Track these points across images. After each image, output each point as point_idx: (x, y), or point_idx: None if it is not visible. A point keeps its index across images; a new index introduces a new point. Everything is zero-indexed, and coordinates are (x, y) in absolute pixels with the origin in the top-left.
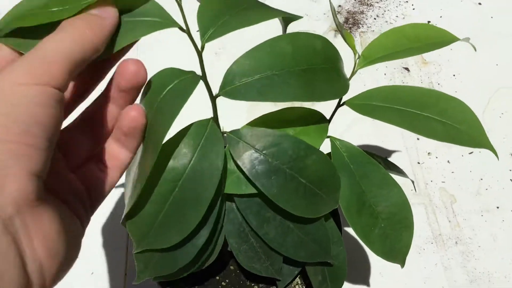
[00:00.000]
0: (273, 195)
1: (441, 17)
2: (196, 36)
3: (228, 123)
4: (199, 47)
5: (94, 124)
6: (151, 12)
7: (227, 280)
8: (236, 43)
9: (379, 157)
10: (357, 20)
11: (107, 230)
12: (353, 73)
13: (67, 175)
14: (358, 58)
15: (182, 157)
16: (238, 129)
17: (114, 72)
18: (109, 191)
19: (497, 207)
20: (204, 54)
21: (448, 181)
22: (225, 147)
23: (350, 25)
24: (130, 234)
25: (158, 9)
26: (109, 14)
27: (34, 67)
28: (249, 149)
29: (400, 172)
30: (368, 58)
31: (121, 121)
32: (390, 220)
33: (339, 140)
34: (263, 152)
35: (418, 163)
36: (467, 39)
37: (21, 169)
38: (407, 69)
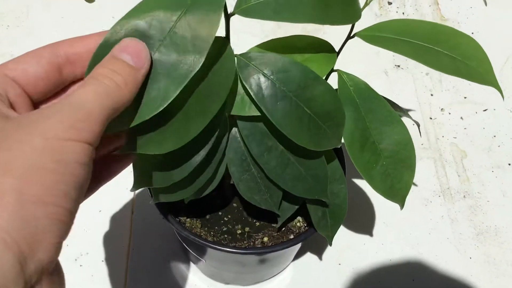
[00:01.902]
0: (277, 121)
1: None
2: None
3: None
4: None
5: None
6: None
7: (229, 216)
8: None
9: (386, 99)
10: None
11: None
12: (366, 4)
13: None
14: None
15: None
16: (249, 52)
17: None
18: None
19: (509, 164)
20: None
21: (460, 137)
22: None
23: None
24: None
25: None
26: (143, 63)
27: (77, 122)
28: (257, 72)
29: (405, 113)
30: None
31: None
32: (392, 158)
33: (346, 73)
34: (271, 77)
35: (431, 118)
36: None
37: (54, 237)
38: None
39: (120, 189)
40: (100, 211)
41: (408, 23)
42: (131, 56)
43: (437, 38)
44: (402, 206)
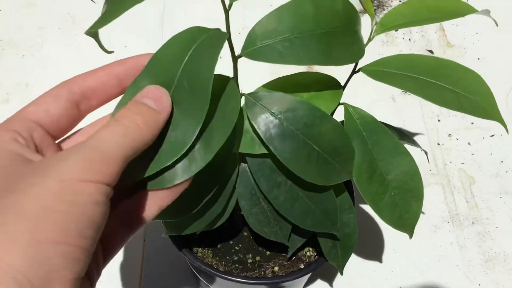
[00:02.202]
0: (285, 159)
1: (467, 1)
2: None
3: (248, 87)
4: (227, 5)
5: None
6: None
7: (240, 245)
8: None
9: (393, 127)
10: (382, 2)
11: None
12: (369, 40)
13: None
14: (375, 25)
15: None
16: (256, 91)
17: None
18: (125, 243)
19: None
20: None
21: (468, 163)
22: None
23: (374, 7)
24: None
25: None
26: (164, 107)
27: (93, 163)
28: (265, 111)
29: (413, 142)
30: (386, 25)
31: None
32: (400, 189)
33: (353, 107)
34: (279, 116)
35: (438, 144)
36: (487, 12)
37: (70, 274)
38: (431, 51)
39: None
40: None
41: (412, 58)
42: (153, 100)
43: (441, 72)
44: (411, 235)
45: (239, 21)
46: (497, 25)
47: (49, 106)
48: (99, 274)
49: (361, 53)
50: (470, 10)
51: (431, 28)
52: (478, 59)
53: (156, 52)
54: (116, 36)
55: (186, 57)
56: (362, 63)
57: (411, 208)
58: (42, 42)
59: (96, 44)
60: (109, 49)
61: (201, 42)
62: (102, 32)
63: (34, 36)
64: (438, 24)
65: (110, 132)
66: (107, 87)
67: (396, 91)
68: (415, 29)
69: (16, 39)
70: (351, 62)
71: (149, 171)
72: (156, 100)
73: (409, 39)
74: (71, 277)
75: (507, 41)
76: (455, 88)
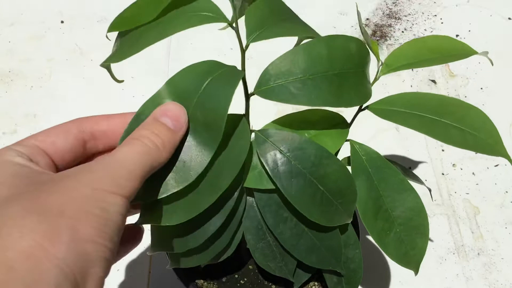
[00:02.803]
0: (291, 197)
1: (469, 31)
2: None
3: (258, 120)
4: (244, 45)
5: None
6: (204, 7)
7: (245, 279)
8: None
9: (398, 164)
10: (384, 33)
11: None
12: (375, 79)
13: None
14: (381, 65)
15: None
16: (266, 129)
17: None
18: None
19: None
20: (234, 56)
21: (473, 193)
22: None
23: (377, 38)
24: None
25: (211, 4)
26: (181, 126)
27: (119, 179)
28: (274, 149)
29: (418, 180)
30: (391, 66)
31: None
32: (406, 225)
33: (358, 143)
34: (287, 154)
35: (443, 174)
36: (485, 53)
37: (101, 271)
38: (433, 81)
39: (137, 247)
40: (118, 270)
41: (417, 97)
42: (170, 119)
43: (445, 110)
44: (416, 272)
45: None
46: (492, 64)
47: (57, 139)
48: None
49: (368, 95)
50: (471, 52)
51: None
52: (481, 88)
53: (171, 79)
54: (123, 67)
55: (202, 89)
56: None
57: (417, 245)
58: (50, 73)
59: (103, 75)
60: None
61: (217, 76)
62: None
63: (42, 68)
64: None
65: (135, 151)
66: (118, 134)
67: None
68: None
69: (24, 71)
70: (360, 104)
71: (160, 195)
72: (174, 118)
73: (412, 70)
74: (101, 274)
75: (508, 70)
76: (460, 125)
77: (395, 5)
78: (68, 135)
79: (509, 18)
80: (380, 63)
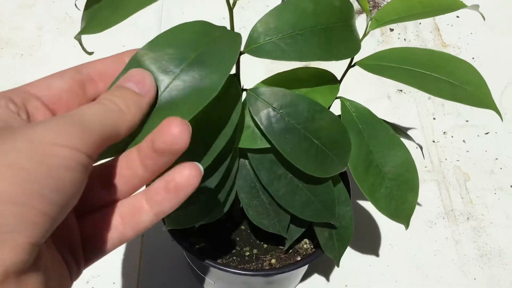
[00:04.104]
0: (287, 153)
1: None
2: None
3: (247, 81)
4: (231, 2)
5: (116, 177)
6: None
7: (237, 238)
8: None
9: (388, 122)
10: (377, 3)
11: None
12: (365, 34)
13: (69, 220)
14: (370, 20)
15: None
16: (258, 87)
17: (155, 129)
18: (113, 249)
19: (511, 186)
20: (223, 14)
21: (463, 160)
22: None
23: (370, 8)
24: None
25: None
26: (147, 90)
27: (69, 129)
28: (267, 107)
29: (407, 136)
30: (380, 20)
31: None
32: (396, 180)
33: (349, 100)
34: (280, 111)
35: (433, 141)
36: (476, 7)
37: (23, 237)
38: None
39: None
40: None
41: (407, 51)
42: (136, 83)
43: (435, 64)
44: (407, 226)
45: (237, 21)
46: (484, 19)
47: (52, 81)
48: (79, 269)
49: (357, 48)
50: (461, 5)
51: (426, 28)
52: (473, 58)
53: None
54: (114, 35)
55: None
56: (357, 59)
57: (407, 199)
58: (41, 42)
59: (94, 43)
60: (106, 49)
61: (217, 37)
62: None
63: (32, 36)
64: (433, 24)
65: (91, 109)
66: (115, 72)
67: (391, 89)
68: (410, 29)
69: (14, 39)
70: (349, 57)
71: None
72: (139, 83)
73: (404, 39)
74: (23, 240)
75: (501, 40)
76: (450, 78)
77: None
78: (63, 76)
79: None
80: (369, 18)
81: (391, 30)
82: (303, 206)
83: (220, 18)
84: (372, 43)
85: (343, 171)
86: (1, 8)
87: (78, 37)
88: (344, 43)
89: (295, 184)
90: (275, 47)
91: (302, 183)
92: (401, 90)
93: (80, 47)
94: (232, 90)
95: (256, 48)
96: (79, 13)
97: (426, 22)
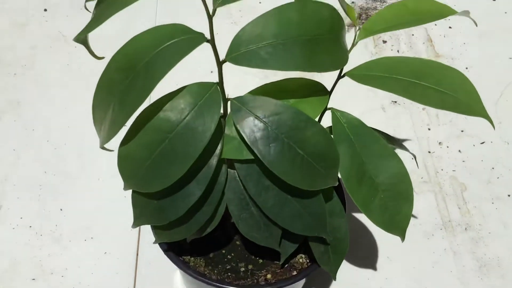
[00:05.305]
0: (269, 162)
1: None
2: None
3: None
4: (211, 11)
5: None
6: None
7: (232, 254)
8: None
9: (381, 132)
10: (370, 16)
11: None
12: (353, 45)
13: None
14: (358, 30)
15: (178, 112)
16: (241, 96)
17: None
18: None
19: (508, 195)
20: (220, 22)
21: (459, 170)
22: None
23: (362, 21)
24: (120, 171)
25: None
26: None
27: None
28: (250, 115)
29: (401, 146)
30: (369, 30)
31: None
32: (390, 191)
33: (340, 111)
34: (263, 119)
35: (429, 152)
36: (466, 13)
37: None
38: None
39: (125, 229)
40: (105, 252)
41: (396, 60)
42: None
43: (425, 73)
44: (403, 238)
45: (230, 37)
46: (476, 25)
47: None
48: None
49: (344, 60)
50: (450, 11)
51: (419, 39)
52: (466, 68)
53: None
54: (108, 47)
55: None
56: (351, 67)
57: (402, 210)
58: (34, 61)
59: (87, 62)
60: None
61: (174, 43)
62: (95, 47)
63: (26, 55)
64: (426, 35)
65: None
66: None
67: (385, 101)
68: (403, 40)
69: (8, 58)
70: (335, 69)
71: None
72: None
73: (398, 51)
74: None
75: (494, 49)
76: (438, 86)
77: None
78: None
79: (493, 0)
80: (357, 28)
81: (384, 42)
82: (293, 219)
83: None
84: (366, 55)
85: (334, 185)
86: None
87: (82, 39)
88: (329, 55)
89: (284, 196)
90: (255, 56)
91: (291, 196)
92: (395, 102)
93: (73, 66)
94: (211, 96)
95: (237, 56)
96: (73, 33)
97: (419, 33)
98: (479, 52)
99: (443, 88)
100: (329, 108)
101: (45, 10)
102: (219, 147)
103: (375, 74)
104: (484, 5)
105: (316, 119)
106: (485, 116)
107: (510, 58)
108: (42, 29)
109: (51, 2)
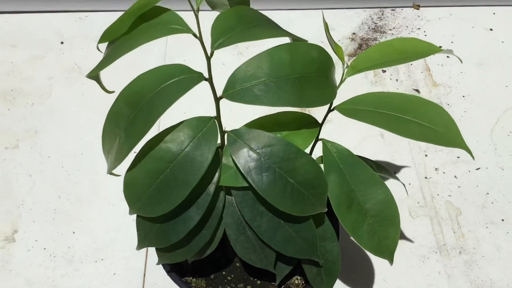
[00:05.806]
0: (262, 190)
1: (452, 42)
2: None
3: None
4: (209, 53)
5: None
6: (171, 20)
7: (232, 275)
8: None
9: (371, 161)
10: (370, 46)
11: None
12: (341, 81)
13: None
14: (346, 68)
15: (179, 143)
16: (237, 129)
17: None
18: None
19: (502, 220)
20: (226, 54)
21: (455, 195)
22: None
23: (354, 56)
24: (125, 196)
25: (177, 18)
26: None
27: None
28: (244, 147)
29: (390, 174)
30: (356, 67)
31: None
32: (378, 217)
33: (330, 142)
34: (257, 151)
35: (426, 177)
36: (450, 51)
37: None
38: (417, 90)
39: (133, 252)
40: (114, 274)
41: (382, 96)
42: None
43: (407, 107)
44: (391, 262)
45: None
46: (461, 62)
47: None
48: None
49: (333, 96)
50: (436, 50)
51: (417, 69)
52: (463, 96)
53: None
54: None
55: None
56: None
57: (389, 235)
58: (51, 91)
59: (101, 92)
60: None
61: (175, 82)
62: (108, 82)
63: (43, 86)
64: (424, 64)
65: None
66: None
67: None
68: (402, 69)
69: (26, 89)
70: (324, 104)
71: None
72: None
73: (396, 80)
74: None
75: (490, 78)
76: (420, 120)
77: (380, 19)
78: None
79: (491, 29)
80: (345, 66)
81: (384, 71)
82: (285, 243)
83: (220, 64)
84: (366, 84)
85: (322, 211)
86: (14, 60)
87: (94, 76)
88: (318, 90)
89: (277, 221)
90: (249, 93)
91: (283, 221)
92: None
93: (87, 96)
94: (208, 130)
95: (232, 93)
96: (87, 64)
97: (417, 62)
98: (476, 80)
99: (424, 122)
100: (321, 139)
101: (62, 43)
102: (216, 175)
103: (362, 109)
104: (481, 35)
105: (308, 150)
106: (465, 148)
107: (507, 86)
108: (58, 61)
109: (67, 35)
